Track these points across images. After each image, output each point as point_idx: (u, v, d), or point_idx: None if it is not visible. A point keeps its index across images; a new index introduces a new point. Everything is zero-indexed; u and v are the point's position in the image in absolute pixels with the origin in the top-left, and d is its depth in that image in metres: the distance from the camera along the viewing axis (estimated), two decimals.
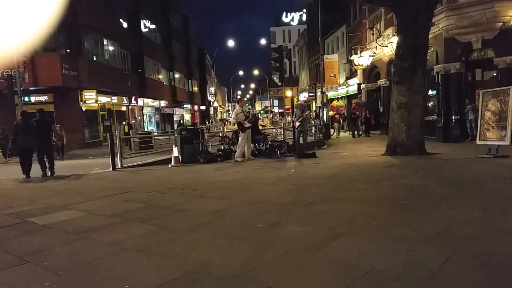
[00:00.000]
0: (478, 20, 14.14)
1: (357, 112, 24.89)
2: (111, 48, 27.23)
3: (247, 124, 11.19)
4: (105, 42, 26.21)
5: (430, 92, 17.47)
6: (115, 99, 27.61)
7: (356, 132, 23.26)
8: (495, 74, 14.79)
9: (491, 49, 14.53)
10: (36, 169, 10.22)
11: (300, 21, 77.61)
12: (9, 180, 10.05)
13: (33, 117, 10.31)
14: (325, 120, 26.38)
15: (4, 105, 20.18)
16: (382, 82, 22.99)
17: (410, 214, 4.35)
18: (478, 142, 9.35)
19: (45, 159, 10.26)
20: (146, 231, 4.23)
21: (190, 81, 52.31)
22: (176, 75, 44.29)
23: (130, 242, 3.85)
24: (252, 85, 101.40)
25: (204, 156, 11.60)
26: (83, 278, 3.04)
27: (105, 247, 3.77)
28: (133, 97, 30.52)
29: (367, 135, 22.59)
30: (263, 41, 58.63)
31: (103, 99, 25.48)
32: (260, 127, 15.15)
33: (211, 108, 70.11)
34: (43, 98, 22.28)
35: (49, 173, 10.24)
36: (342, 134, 25.70)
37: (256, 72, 74.61)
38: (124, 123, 24.74)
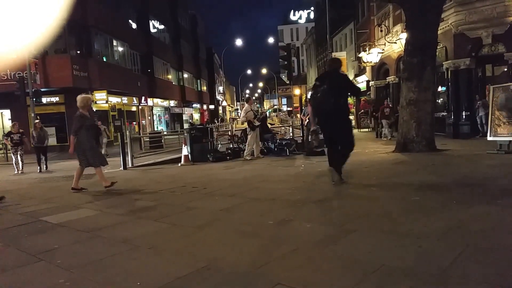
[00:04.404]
0: (488, 15, 13.95)
1: (386, 109, 17.41)
2: (120, 49, 27.43)
3: (257, 123, 11.23)
4: (114, 43, 26.40)
5: (439, 89, 17.27)
6: (125, 100, 27.82)
7: (386, 131, 17.11)
8: (506, 69, 14.58)
9: (502, 44, 14.33)
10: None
11: (308, 19, 77.37)
12: (28, 178, 10.33)
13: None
14: None
15: (17, 106, 20.45)
16: (391, 79, 22.78)
17: (421, 210, 4.34)
18: (489, 138, 9.25)
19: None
20: (157, 229, 4.28)
21: (199, 80, 52.46)
22: (185, 75, 44.44)
23: (142, 240, 3.89)
24: (261, 84, 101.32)
25: (213, 155, 11.65)
26: (95, 275, 3.08)
27: (117, 245, 3.82)
28: (143, 97, 30.71)
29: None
30: (271, 40, 58.41)
31: (114, 99, 25.66)
32: (268, 125, 15.15)
33: (220, 107, 70.19)
34: (55, 99, 22.49)
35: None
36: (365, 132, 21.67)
37: (264, 70, 74.56)
38: (134, 123, 24.87)
